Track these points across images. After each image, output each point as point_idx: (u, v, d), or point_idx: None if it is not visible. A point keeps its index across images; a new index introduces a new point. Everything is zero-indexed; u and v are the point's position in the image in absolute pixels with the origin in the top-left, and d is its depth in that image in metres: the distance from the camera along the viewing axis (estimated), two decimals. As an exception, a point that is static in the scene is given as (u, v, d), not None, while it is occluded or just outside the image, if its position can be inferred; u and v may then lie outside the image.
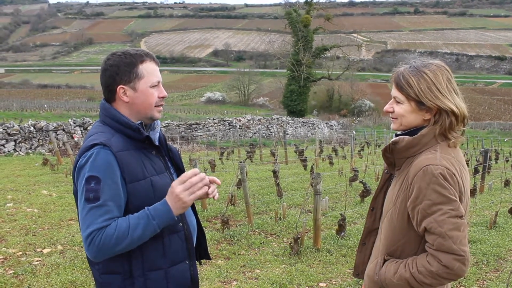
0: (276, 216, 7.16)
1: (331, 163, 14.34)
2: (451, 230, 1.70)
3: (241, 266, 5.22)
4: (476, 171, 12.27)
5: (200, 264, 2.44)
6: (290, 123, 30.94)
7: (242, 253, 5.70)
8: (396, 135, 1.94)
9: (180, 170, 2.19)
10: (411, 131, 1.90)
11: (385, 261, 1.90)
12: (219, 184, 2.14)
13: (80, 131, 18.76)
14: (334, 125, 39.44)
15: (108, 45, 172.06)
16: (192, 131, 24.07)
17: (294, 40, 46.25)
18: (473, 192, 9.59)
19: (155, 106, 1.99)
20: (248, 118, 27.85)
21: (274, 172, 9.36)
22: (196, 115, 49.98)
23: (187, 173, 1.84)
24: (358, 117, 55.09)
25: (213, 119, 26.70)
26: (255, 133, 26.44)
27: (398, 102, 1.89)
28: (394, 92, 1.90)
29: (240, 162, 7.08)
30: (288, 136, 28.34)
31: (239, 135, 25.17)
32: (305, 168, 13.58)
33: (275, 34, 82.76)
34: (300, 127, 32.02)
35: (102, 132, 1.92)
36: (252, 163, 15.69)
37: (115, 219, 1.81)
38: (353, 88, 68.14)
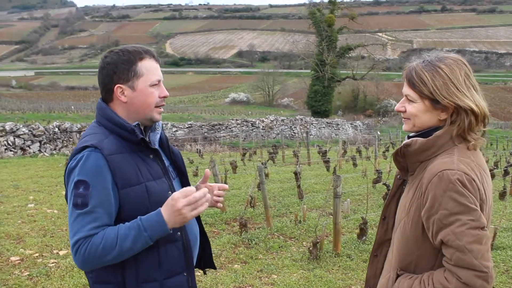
0: (296, 219, 6.99)
1: (354, 165, 14.06)
2: (471, 243, 1.51)
3: (257, 271, 5.07)
4: (506, 173, 11.83)
5: (205, 273, 2.31)
6: (314, 124, 30.64)
7: (259, 257, 5.55)
8: (409, 137, 1.76)
9: (182, 174, 2.06)
10: (425, 133, 1.71)
11: (398, 276, 1.71)
12: (226, 189, 2.09)
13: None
14: (359, 125, 38.93)
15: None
16: (215, 132, 24.05)
17: (318, 40, 45.81)
18: (502, 195, 9.24)
19: (155, 107, 1.86)
20: (272, 119, 27.68)
21: (296, 173, 9.19)
22: (220, 116, 50.09)
23: (191, 188, 1.71)
24: (384, 117, 54.36)
25: (236, 120, 26.61)
26: (278, 133, 26.26)
27: (410, 101, 1.71)
28: (406, 89, 1.72)
29: (258, 165, 6.94)
30: (312, 136, 28.07)
31: (261, 135, 25.02)
32: (328, 170, 13.36)
33: (299, 35, 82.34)
34: (324, 127, 31.69)
35: (96, 134, 1.81)
36: (274, 164, 15.54)
37: (104, 227, 1.68)
38: (379, 88, 67.33)
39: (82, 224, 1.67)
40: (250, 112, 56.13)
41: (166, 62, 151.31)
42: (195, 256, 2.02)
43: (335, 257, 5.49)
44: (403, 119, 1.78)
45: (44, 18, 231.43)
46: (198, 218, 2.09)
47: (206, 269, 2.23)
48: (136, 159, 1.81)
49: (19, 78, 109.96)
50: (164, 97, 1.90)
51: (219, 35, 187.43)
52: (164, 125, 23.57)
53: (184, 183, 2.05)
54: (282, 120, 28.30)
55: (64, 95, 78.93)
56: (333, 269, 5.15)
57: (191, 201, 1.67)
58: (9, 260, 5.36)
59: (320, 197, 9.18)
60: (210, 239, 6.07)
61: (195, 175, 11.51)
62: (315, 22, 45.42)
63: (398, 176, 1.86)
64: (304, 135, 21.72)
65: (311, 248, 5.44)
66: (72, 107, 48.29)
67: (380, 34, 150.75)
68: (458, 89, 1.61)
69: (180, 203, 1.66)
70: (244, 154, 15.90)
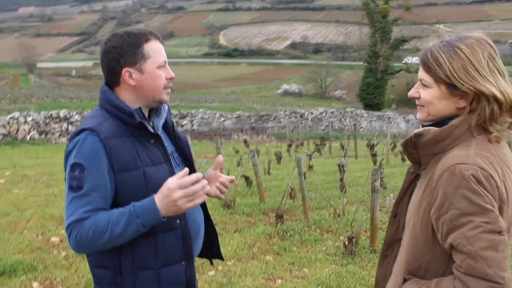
0: (334, 212, 6.82)
1: (403, 159, 13.63)
2: (484, 249, 1.31)
3: (289, 264, 4.97)
4: None
5: (212, 264, 2.24)
6: (364, 117, 30.05)
7: (293, 249, 5.45)
8: (423, 126, 1.56)
9: (188, 161, 2.00)
10: (442, 122, 1.51)
11: (405, 280, 1.54)
12: (233, 180, 2.07)
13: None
14: (412, 119, 37.81)
15: (188, 38, 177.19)
16: (263, 123, 24.02)
17: (371, 32, 44.80)
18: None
19: (164, 88, 1.81)
20: (321, 111, 27.36)
21: (340, 166, 9.00)
22: (271, 107, 49.95)
23: (190, 178, 1.62)
24: (439, 111, 52.56)
25: (285, 111, 26.51)
26: (327, 126, 25.91)
27: (425, 86, 1.52)
28: (421, 73, 1.53)
29: (297, 156, 6.82)
30: (362, 129, 27.56)
31: (309, 126, 24.77)
32: (374, 163, 13.02)
33: (354, 26, 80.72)
34: (375, 120, 31.01)
35: (96, 117, 1.77)
36: (321, 156, 15.35)
37: (98, 211, 1.65)
38: (435, 81, 65.06)
39: (76, 207, 1.64)
40: (301, 104, 55.69)
41: (219, 53, 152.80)
42: (198, 246, 1.96)
43: (371, 253, 5.30)
44: (417, 106, 1.59)
45: (103, 10, 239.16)
46: (204, 207, 2.03)
47: (213, 260, 2.17)
48: (135, 143, 1.76)
49: (78, 69, 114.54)
50: (171, 78, 1.84)
51: (272, 27, 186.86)
52: (212, 115, 23.89)
53: (190, 170, 1.98)
54: (332, 112, 27.90)
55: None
56: (367, 265, 4.97)
57: (188, 193, 1.60)
58: (50, 241, 5.55)
59: (363, 191, 8.94)
60: (246, 229, 6.07)
61: (238, 164, 11.52)
62: (368, 13, 44.38)
63: (411, 170, 1.67)
64: (352, 127, 21.32)
65: (346, 243, 5.28)
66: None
67: (438, 25, 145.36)
68: (479, 73, 1.41)
69: (176, 195, 1.59)
70: (290, 145, 15.78)
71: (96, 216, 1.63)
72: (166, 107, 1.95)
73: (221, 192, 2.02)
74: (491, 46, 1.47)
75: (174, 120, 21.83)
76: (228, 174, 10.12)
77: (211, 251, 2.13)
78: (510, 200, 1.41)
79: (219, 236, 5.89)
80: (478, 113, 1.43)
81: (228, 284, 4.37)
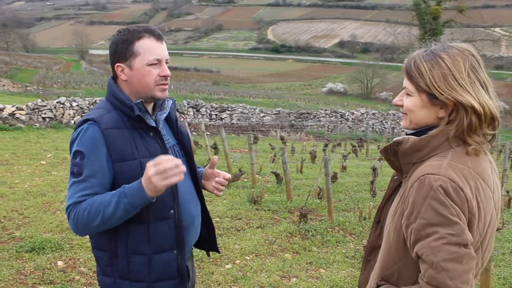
0: (360, 215, 6.78)
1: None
2: (446, 261, 1.32)
3: (307, 263, 4.99)
4: None
5: (208, 255, 2.32)
6: (407, 120, 29.42)
7: (313, 249, 5.46)
8: (407, 135, 1.58)
9: (189, 155, 2.09)
10: (423, 131, 1.52)
11: (378, 286, 1.56)
12: (228, 178, 2.11)
13: (192, 113, 19.54)
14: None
15: (237, 31, 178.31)
16: (302, 121, 23.94)
17: (420, 33, 43.62)
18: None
19: (157, 85, 1.88)
20: (362, 112, 26.98)
21: (373, 169, 8.90)
22: (315, 105, 49.64)
23: (163, 157, 1.69)
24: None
25: (325, 110, 26.29)
26: (367, 127, 25.57)
27: (408, 94, 1.53)
28: (404, 81, 1.54)
29: (324, 156, 6.79)
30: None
31: (348, 127, 24.48)
32: (411, 168, 12.76)
33: (405, 27, 79.10)
34: (418, 124, 30.31)
35: (100, 108, 1.89)
36: (357, 158, 15.17)
37: (94, 195, 1.76)
38: (486, 87, 62.65)
39: (75, 190, 1.77)
40: (345, 104, 55.03)
41: (266, 48, 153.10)
42: (192, 237, 2.03)
43: (391, 258, 5.24)
44: (401, 114, 1.61)
45: (155, 1, 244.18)
46: (202, 201, 2.10)
47: (210, 252, 2.25)
48: (134, 135, 1.86)
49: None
50: (165, 76, 1.89)
51: (321, 24, 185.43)
52: (252, 110, 23.98)
53: (190, 163, 2.07)
54: (373, 114, 27.46)
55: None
56: (385, 271, 4.92)
57: (160, 170, 1.64)
58: (79, 224, 5.76)
59: (394, 195, 8.82)
60: (269, 226, 6.11)
61: (272, 161, 11.55)
62: (419, 14, 43.13)
63: (395, 178, 1.68)
64: (391, 130, 20.92)
65: (366, 247, 5.24)
66: (172, 86, 50.39)
67: (493, 29, 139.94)
68: (458, 83, 1.41)
69: (150, 171, 1.65)
70: (326, 145, 15.68)
71: (92, 199, 1.75)
72: (171, 101, 2.03)
73: (218, 189, 2.09)
74: (474, 57, 1.46)
75: (214, 114, 22.12)
76: (261, 170, 10.19)
77: (209, 243, 2.21)
78: (482, 214, 1.40)
79: (241, 231, 6.00)
80: (457, 124, 1.42)
81: (242, 278, 4.44)
